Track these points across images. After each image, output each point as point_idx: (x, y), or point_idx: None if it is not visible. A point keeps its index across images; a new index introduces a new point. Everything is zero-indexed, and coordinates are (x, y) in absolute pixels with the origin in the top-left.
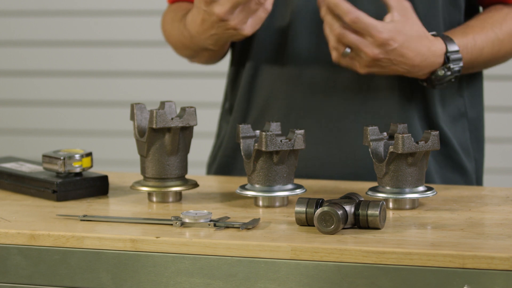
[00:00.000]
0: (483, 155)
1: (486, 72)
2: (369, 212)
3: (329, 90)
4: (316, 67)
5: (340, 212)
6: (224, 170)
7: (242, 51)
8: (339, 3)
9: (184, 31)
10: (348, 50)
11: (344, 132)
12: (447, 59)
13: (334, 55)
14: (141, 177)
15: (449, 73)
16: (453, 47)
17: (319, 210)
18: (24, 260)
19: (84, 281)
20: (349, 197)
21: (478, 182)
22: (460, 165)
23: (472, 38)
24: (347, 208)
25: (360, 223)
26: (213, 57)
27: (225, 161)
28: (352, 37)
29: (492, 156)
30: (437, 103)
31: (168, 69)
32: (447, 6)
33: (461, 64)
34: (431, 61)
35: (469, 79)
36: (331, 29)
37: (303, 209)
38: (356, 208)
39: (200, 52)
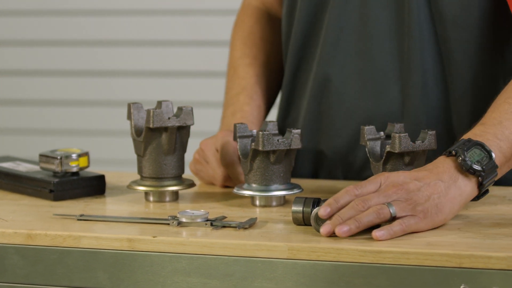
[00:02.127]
0: None
1: None
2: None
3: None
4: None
5: None
6: None
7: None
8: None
9: (227, 93)
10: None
11: (341, 136)
12: (483, 190)
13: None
14: (138, 177)
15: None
16: (489, 175)
17: (315, 210)
18: (21, 259)
19: (81, 281)
20: None
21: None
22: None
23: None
24: None
25: None
26: None
27: None
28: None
29: None
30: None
31: (165, 68)
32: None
33: (496, 172)
34: (471, 195)
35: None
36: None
37: (300, 208)
38: None
39: None
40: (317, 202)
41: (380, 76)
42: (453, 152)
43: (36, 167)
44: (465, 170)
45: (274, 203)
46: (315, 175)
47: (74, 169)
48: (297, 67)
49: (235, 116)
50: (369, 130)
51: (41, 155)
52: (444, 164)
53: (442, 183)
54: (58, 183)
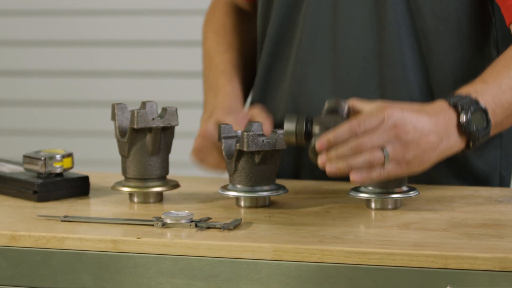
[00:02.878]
0: (510, 173)
1: None
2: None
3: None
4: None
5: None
6: None
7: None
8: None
9: (207, 72)
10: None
11: None
12: (472, 141)
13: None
14: (122, 178)
15: (477, 143)
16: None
17: (313, 141)
18: (4, 261)
19: (66, 282)
20: (334, 111)
21: None
22: (483, 180)
23: (498, 84)
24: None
25: None
26: None
27: None
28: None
29: None
30: None
31: (149, 69)
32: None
33: (489, 128)
34: (459, 141)
35: None
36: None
37: (292, 128)
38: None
39: None
40: (310, 120)
41: (359, 72)
42: (458, 108)
43: (20, 168)
44: (463, 131)
45: (259, 204)
46: (297, 175)
47: (58, 170)
48: (270, 67)
49: (217, 97)
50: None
51: (25, 156)
52: (445, 116)
53: (437, 136)
54: (42, 184)
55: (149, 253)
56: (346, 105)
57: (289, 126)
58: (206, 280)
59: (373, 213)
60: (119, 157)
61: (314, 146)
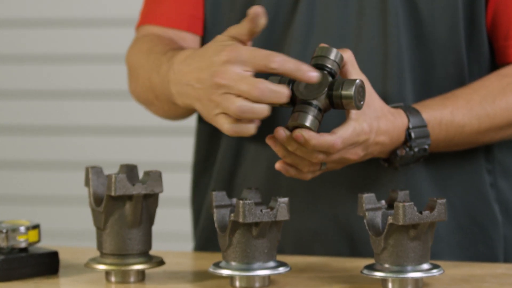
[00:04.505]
0: None
1: None
2: (343, 92)
3: None
4: None
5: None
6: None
7: None
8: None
9: (161, 68)
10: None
11: (339, 201)
12: (408, 136)
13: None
14: (98, 253)
15: (411, 152)
16: (417, 122)
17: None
18: None
19: None
20: (321, 68)
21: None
22: (484, 243)
23: (450, 113)
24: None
25: (334, 105)
26: (180, 114)
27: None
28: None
29: None
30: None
31: (130, 124)
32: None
33: (428, 142)
34: (396, 139)
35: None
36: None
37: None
38: (330, 88)
39: (166, 103)
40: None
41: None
42: (408, 142)
43: None
44: (407, 144)
45: (257, 284)
46: (298, 248)
47: (23, 245)
48: None
49: (177, 55)
50: (368, 198)
51: None
52: (400, 132)
53: (385, 145)
54: (4, 261)
55: None
56: (336, 56)
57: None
58: None
59: None
60: (93, 229)
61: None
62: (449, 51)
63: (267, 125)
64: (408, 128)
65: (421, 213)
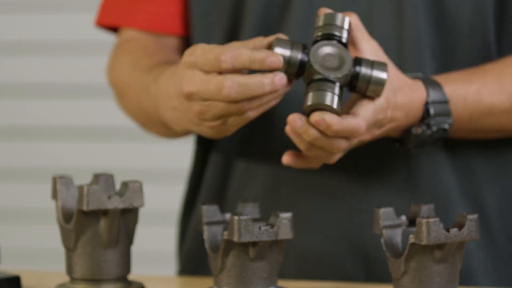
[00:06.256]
0: None
1: None
2: (375, 76)
3: None
4: None
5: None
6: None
7: None
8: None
9: (149, 90)
10: None
11: (350, 216)
12: (426, 112)
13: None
14: (67, 278)
15: (428, 131)
16: (437, 96)
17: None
18: None
19: None
20: (330, 30)
21: None
22: None
23: (477, 90)
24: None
25: (355, 86)
26: (182, 135)
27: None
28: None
29: None
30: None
31: (106, 125)
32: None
33: (448, 121)
34: (412, 115)
35: None
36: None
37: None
38: (356, 64)
39: (163, 128)
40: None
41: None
42: (426, 119)
43: None
44: (424, 122)
45: None
46: (300, 272)
47: None
48: None
49: (162, 75)
50: (386, 214)
51: None
52: (417, 107)
53: (401, 122)
54: None
55: None
56: (344, 21)
57: (281, 51)
58: None
59: None
60: (62, 249)
61: (310, 106)
62: (475, 35)
63: (267, 125)
64: (426, 103)
65: (448, 230)
